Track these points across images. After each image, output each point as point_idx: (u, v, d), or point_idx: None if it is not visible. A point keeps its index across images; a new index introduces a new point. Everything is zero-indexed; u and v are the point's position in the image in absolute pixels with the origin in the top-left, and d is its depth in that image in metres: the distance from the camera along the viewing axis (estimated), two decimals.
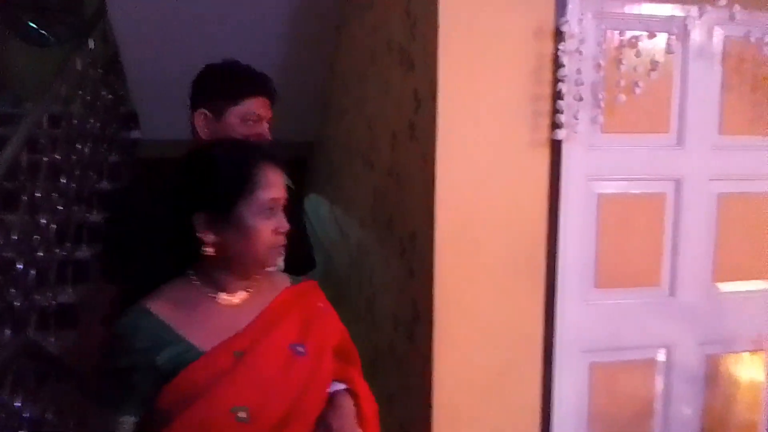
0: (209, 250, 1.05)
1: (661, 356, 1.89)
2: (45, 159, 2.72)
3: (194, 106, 1.48)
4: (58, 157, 2.86)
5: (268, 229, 1.06)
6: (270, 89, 1.51)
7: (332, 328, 1.19)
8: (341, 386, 1.14)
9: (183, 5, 3.04)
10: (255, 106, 1.47)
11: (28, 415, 1.93)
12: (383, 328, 2.23)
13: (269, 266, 1.10)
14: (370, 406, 1.17)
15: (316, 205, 4.85)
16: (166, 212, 1.09)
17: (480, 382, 1.71)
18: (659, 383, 1.90)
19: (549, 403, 1.77)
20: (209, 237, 1.05)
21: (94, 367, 1.09)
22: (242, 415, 0.99)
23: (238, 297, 1.10)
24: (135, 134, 3.94)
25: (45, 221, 2.66)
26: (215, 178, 1.05)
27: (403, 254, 1.96)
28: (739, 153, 1.86)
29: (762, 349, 1.95)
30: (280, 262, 1.15)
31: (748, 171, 1.88)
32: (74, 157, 3.06)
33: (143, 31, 3.19)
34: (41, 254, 2.59)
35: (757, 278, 1.93)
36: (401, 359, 2.00)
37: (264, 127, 1.49)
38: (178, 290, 1.09)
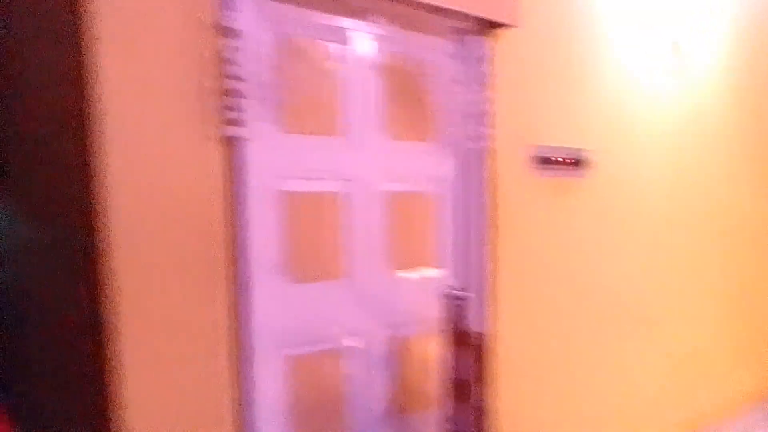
0: None
1: (349, 342, 2.01)
2: None
3: None
4: None
5: None
6: None
7: None
8: None
9: None
10: None
11: None
12: (58, 338, 1.96)
13: None
14: None
15: None
16: None
17: (170, 389, 1.60)
18: (349, 367, 2.02)
19: (245, 400, 1.73)
20: None
21: None
22: None
23: None
24: None
25: None
26: None
27: (76, 257, 1.76)
28: (401, 155, 2.11)
29: (434, 328, 2.20)
30: None
31: (409, 171, 2.14)
32: None
33: None
34: None
35: (424, 266, 2.19)
36: (81, 370, 1.77)
37: None
38: None
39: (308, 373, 1.91)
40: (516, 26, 2.24)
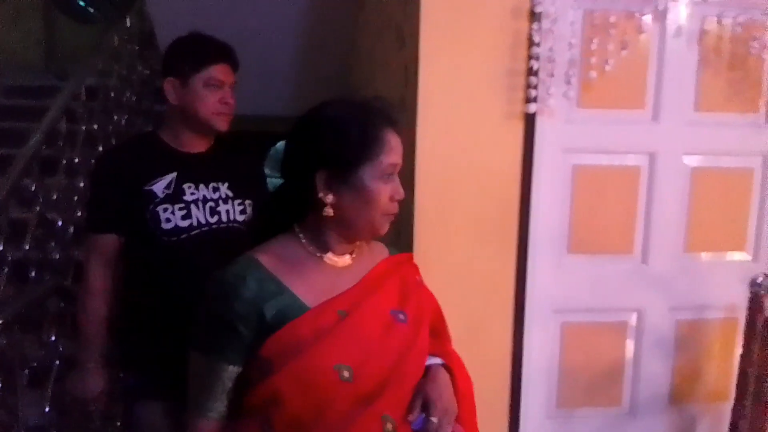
0: (329, 211, 1.04)
1: (632, 320, 2.01)
2: (83, 128, 2.99)
3: (164, 75, 1.65)
4: (95, 126, 3.12)
5: (386, 194, 1.05)
6: (231, 56, 1.66)
7: (428, 302, 1.21)
8: (437, 360, 1.14)
9: None
10: (217, 72, 1.61)
11: (61, 349, 2.19)
12: None
13: (380, 232, 1.08)
14: (466, 382, 1.17)
15: None
16: (288, 169, 1.10)
17: (455, 335, 1.86)
18: (630, 346, 2.02)
19: (520, 359, 1.91)
20: (329, 197, 1.04)
21: (195, 314, 1.08)
22: (345, 374, 0.99)
23: (342, 260, 1.10)
24: None
25: (83, 185, 2.94)
26: (343, 137, 1.04)
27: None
28: (714, 129, 1.94)
29: (734, 317, 2.04)
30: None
31: (723, 146, 1.96)
32: (111, 127, 3.33)
33: (176, 8, 3.40)
34: (79, 214, 2.87)
35: (729, 249, 2.02)
36: None
37: (227, 92, 1.64)
38: (285, 246, 1.09)
39: (584, 344, 1.99)
40: None
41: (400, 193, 1.07)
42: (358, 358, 1.01)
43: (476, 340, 1.87)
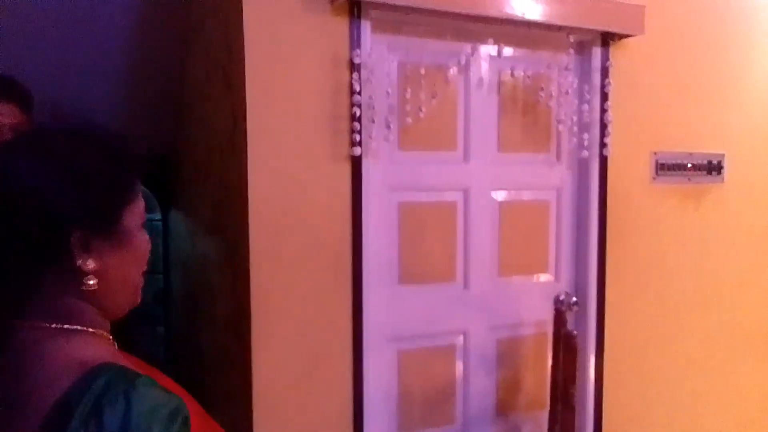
0: (93, 283, 0.73)
1: (459, 341, 2.19)
2: None
3: None
4: None
5: (148, 247, 0.81)
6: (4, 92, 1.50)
7: None
8: None
9: (30, 15, 2.99)
10: None
11: None
12: (220, 330, 2.36)
13: (138, 300, 0.82)
14: None
15: (174, 220, 4.83)
16: (24, 232, 0.71)
17: (295, 371, 1.90)
18: (459, 366, 2.20)
19: (361, 388, 1.99)
20: (89, 263, 0.73)
21: None
22: None
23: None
24: None
25: None
26: (94, 177, 0.73)
27: (231, 260, 2.11)
28: (515, 167, 2.22)
29: (544, 332, 2.31)
30: None
31: (523, 182, 2.25)
32: None
33: None
34: None
35: (535, 272, 2.30)
36: (232, 358, 2.14)
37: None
38: (91, 345, 0.75)
39: (419, 368, 2.12)
40: (638, 35, 2.21)
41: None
42: None
43: (318, 371, 1.92)
